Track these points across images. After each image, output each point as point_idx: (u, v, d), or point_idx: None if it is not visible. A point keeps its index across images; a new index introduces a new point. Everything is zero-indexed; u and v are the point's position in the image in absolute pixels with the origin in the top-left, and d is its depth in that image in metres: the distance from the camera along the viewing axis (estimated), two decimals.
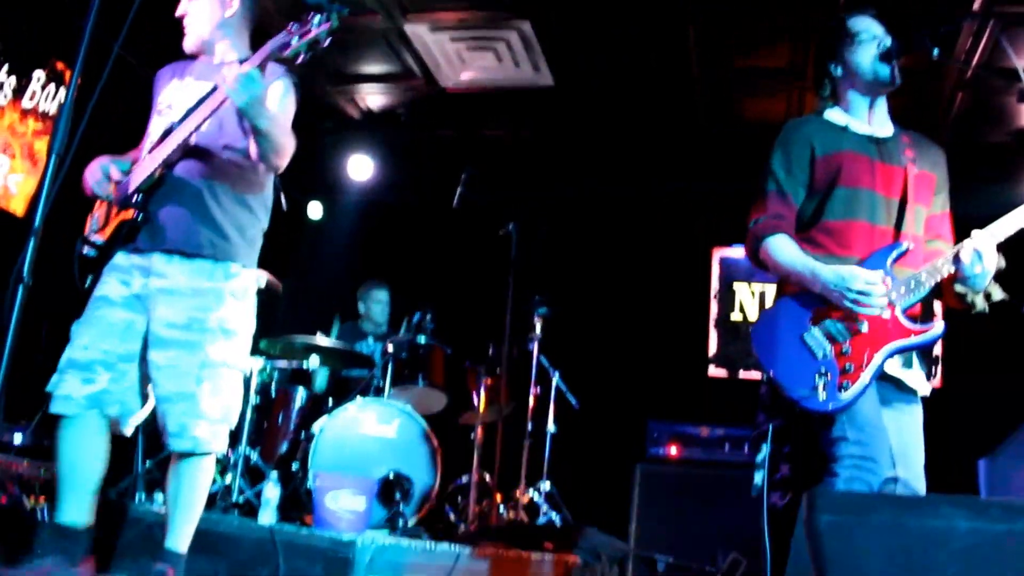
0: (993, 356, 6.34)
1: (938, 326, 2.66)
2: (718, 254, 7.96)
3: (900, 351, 2.66)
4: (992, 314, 2.75)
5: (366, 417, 5.00)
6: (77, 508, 2.88)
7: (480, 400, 5.89)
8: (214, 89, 2.86)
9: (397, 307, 6.52)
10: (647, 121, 7.13)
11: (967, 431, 5.77)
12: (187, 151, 2.99)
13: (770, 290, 7.55)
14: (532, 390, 6.01)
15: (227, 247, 3.00)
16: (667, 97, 6.77)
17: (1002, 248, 2.69)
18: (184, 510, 2.92)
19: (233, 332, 2.98)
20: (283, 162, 2.98)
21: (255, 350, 5.31)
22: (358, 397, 5.14)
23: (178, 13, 3.14)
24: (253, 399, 5.05)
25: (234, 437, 4.81)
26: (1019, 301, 2.94)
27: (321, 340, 5.40)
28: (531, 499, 5.94)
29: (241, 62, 2.81)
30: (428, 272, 7.64)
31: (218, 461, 4.88)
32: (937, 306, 2.89)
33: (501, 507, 5.78)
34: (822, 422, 2.62)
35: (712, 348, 7.78)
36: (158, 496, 4.42)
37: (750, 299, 7.81)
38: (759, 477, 2.82)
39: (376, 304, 6.53)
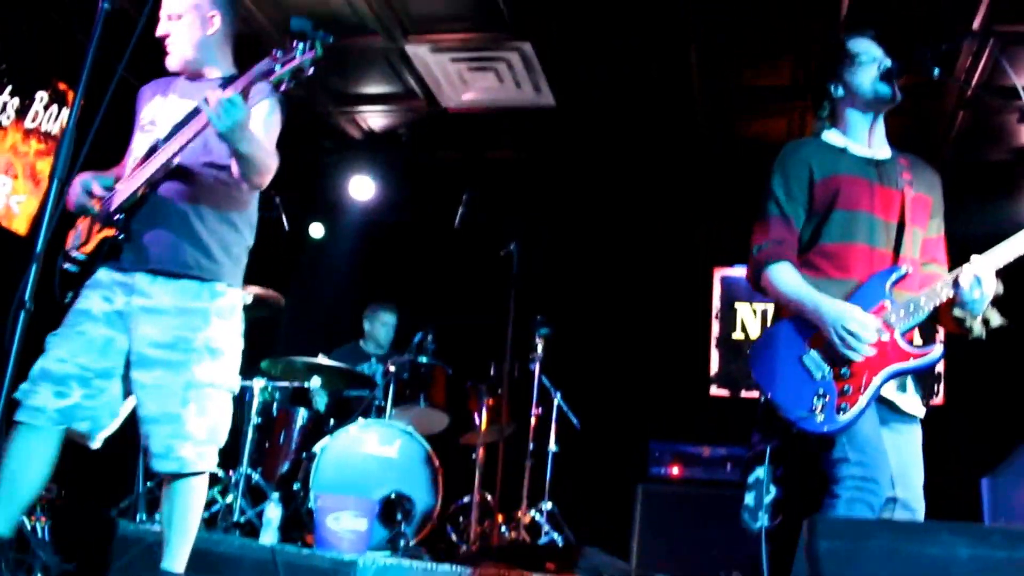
0: (996, 373, 6.33)
1: (936, 350, 2.65)
2: (719, 274, 7.94)
3: (898, 374, 2.66)
4: (990, 339, 2.75)
5: (368, 437, 5.00)
6: (5, 519, 2.80)
7: (482, 420, 5.87)
8: (197, 111, 2.82)
9: (400, 328, 6.54)
10: (648, 141, 7.14)
11: (970, 448, 5.77)
12: (171, 171, 2.96)
13: (772, 309, 7.54)
14: (534, 410, 6.03)
15: (213, 267, 2.98)
16: (668, 117, 6.78)
17: (1001, 274, 2.68)
18: (178, 531, 2.90)
19: (220, 352, 2.95)
20: (265, 181, 2.95)
21: (257, 371, 5.32)
22: (359, 418, 5.15)
23: (159, 33, 3.10)
24: (254, 419, 5.07)
25: (235, 457, 4.86)
26: (1017, 326, 2.93)
27: (322, 360, 5.40)
28: (533, 519, 5.93)
29: (224, 80, 2.78)
30: (430, 292, 7.62)
31: (219, 481, 4.91)
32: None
33: (503, 527, 5.77)
34: (822, 444, 2.61)
35: (714, 368, 7.76)
36: (159, 516, 4.41)
37: (752, 318, 7.80)
38: (750, 498, 2.81)
39: (383, 326, 6.51)
